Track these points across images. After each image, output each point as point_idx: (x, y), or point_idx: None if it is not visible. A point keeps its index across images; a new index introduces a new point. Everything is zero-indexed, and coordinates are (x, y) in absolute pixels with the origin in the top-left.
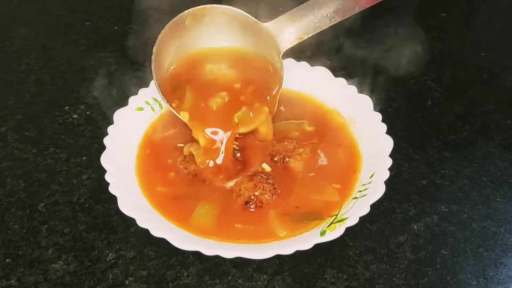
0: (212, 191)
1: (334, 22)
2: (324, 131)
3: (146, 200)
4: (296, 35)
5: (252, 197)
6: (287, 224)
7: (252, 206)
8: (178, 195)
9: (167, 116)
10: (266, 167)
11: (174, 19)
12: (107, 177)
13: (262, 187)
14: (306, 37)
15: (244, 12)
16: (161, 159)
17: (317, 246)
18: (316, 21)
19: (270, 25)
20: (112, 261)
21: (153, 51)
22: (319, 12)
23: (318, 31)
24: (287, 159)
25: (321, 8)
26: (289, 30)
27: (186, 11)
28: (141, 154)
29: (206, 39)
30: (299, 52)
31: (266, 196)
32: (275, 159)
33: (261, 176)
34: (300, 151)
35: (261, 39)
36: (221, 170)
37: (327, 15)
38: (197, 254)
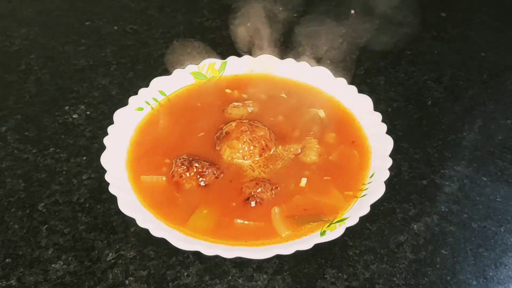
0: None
1: None
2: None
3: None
4: None
5: (253, 194)
6: (291, 225)
7: (252, 203)
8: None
9: (167, 115)
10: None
11: None
12: (107, 177)
13: (263, 186)
14: None
15: None
16: (161, 159)
17: (317, 246)
18: None
19: None
20: (112, 261)
21: None
22: None
23: None
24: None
25: None
26: None
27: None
28: (141, 154)
29: None
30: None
31: (268, 194)
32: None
33: (263, 177)
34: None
35: None
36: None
37: None
38: (197, 254)
